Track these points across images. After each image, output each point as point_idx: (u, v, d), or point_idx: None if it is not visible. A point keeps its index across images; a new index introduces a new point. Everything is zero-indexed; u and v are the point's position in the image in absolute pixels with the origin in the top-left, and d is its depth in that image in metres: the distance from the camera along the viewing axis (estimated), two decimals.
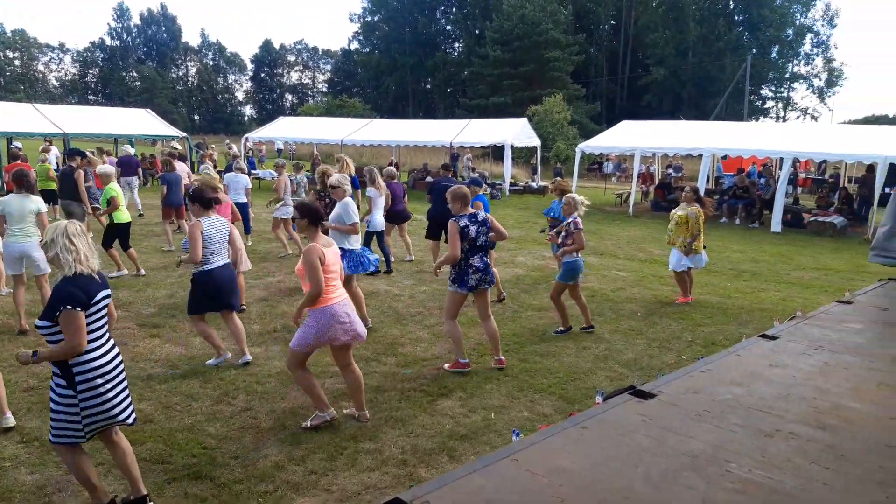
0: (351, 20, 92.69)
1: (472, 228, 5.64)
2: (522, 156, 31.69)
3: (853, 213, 17.36)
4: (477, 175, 24.25)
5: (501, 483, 1.84)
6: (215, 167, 14.42)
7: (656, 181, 22.45)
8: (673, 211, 8.67)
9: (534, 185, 24.58)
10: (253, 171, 22.69)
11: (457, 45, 66.66)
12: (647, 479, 1.88)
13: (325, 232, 4.79)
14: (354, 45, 72.75)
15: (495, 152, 29.51)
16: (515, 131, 23.86)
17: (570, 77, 49.98)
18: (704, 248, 8.58)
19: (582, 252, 7.14)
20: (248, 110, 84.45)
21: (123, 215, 9.00)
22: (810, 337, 3.38)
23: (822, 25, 54.63)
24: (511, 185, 23.75)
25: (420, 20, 62.83)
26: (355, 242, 6.90)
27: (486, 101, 48.07)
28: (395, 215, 10.27)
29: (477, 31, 59.09)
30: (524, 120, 26.62)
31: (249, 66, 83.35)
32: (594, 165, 32.33)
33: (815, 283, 10.33)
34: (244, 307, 7.52)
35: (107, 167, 9.48)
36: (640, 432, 2.18)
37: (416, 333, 6.98)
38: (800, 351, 3.14)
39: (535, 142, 25.50)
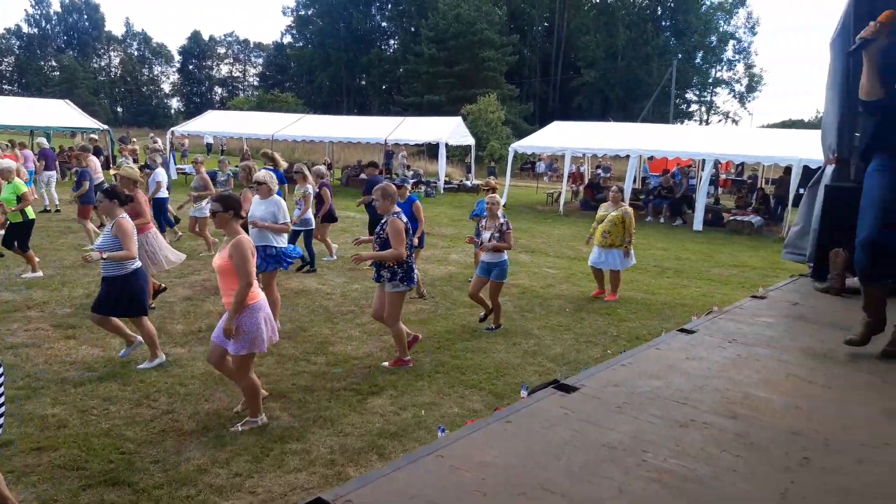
0: (284, 13, 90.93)
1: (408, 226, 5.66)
2: (457, 154, 31.88)
3: (769, 212, 18.25)
4: (410, 174, 24.25)
5: (425, 479, 1.84)
6: (137, 162, 13.88)
7: (586, 181, 23.00)
8: (606, 212, 8.69)
9: (468, 183, 24.76)
10: (179, 167, 21.99)
11: (392, 41, 66.39)
12: (568, 471, 1.92)
13: (245, 228, 4.65)
14: (287, 39, 71.39)
15: (430, 150, 29.60)
16: (450, 130, 23.97)
17: (505, 77, 50.58)
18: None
19: (510, 250, 7.23)
20: (175, 103, 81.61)
21: (29, 212, 8.53)
22: (725, 331, 3.53)
23: (744, 33, 57.24)
24: (445, 183, 23.87)
25: (355, 16, 62.20)
26: (282, 241, 6.76)
27: (420, 99, 48.10)
28: (326, 216, 10.14)
29: (412, 29, 58.98)
30: (459, 119, 26.77)
31: (177, 57, 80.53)
32: (527, 165, 32.84)
33: (734, 279, 10.80)
34: (153, 306, 7.34)
35: (8, 162, 8.91)
36: (563, 425, 2.22)
37: (347, 332, 6.91)
38: (715, 344, 3.28)
39: (470, 141, 25.69)
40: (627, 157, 18.56)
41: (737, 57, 57.31)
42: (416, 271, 5.98)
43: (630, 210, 8.68)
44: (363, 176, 25.17)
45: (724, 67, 58.11)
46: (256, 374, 5.53)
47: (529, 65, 58.28)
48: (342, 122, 26.80)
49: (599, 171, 25.50)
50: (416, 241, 7.66)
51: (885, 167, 3.28)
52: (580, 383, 2.59)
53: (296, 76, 70.61)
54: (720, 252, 13.51)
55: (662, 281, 10.39)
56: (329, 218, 10.19)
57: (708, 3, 55.02)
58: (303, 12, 66.52)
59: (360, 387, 5.40)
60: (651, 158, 21.28)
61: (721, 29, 55.63)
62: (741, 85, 58.29)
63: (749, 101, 59.29)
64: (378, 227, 5.70)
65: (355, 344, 6.53)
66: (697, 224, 16.68)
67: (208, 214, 5.29)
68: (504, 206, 19.44)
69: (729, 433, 2.25)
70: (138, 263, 5.56)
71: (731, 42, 56.77)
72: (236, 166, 13.06)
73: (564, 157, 20.00)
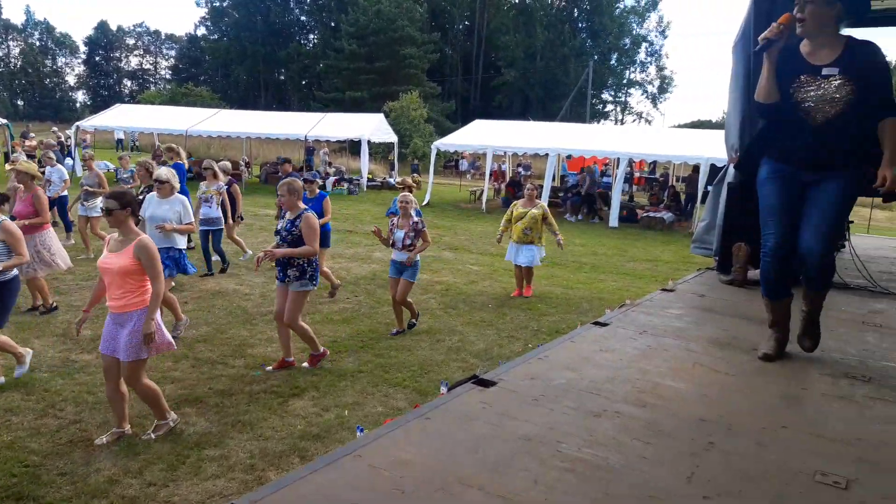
0: (198, 4, 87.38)
1: None
2: (380, 151, 31.72)
3: (680, 209, 19.10)
4: (332, 171, 23.96)
5: (343, 480, 1.82)
6: (33, 158, 13.07)
7: (507, 179, 23.37)
8: (524, 209, 8.76)
9: (391, 180, 24.68)
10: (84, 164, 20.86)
11: (312, 36, 65.20)
12: (485, 464, 1.95)
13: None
14: (202, 31, 68.85)
15: (352, 147, 29.28)
16: (372, 127, 23.81)
17: (426, 75, 50.68)
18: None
19: (432, 248, 7.20)
20: (81, 96, 77.22)
21: None
22: (637, 323, 3.67)
23: (656, 36, 59.51)
24: (369, 180, 23.71)
25: (272, 8, 60.71)
26: (182, 242, 6.51)
27: (342, 95, 47.53)
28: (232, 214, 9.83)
29: (332, 24, 58.15)
30: (381, 116, 26.62)
31: (82, 48, 76.26)
32: (450, 163, 33.04)
33: (647, 273, 11.24)
34: (56, 306, 7.01)
35: None
36: (481, 419, 2.26)
37: (266, 333, 6.76)
38: (627, 336, 3.40)
39: (393, 138, 25.60)
40: (546, 155, 18.99)
41: (649, 59, 59.61)
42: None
43: (545, 205, 8.89)
44: (280, 173, 24.71)
45: (638, 69, 60.37)
46: (171, 380, 5.36)
47: (451, 63, 58.61)
48: (260, 118, 26.14)
49: (520, 169, 25.96)
50: None
51: (776, 174, 3.29)
52: (498, 377, 2.64)
53: (211, 70, 68.29)
54: (634, 247, 14.03)
55: (580, 276, 10.69)
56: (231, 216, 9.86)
57: (622, 6, 56.99)
58: (217, 3, 64.39)
59: (281, 389, 5.30)
60: (569, 157, 21.86)
61: (634, 32, 57.71)
62: (653, 86, 60.71)
63: (661, 102, 61.89)
64: (287, 224, 5.52)
65: (276, 346, 6.38)
66: (613, 221, 17.25)
67: (100, 213, 5.01)
68: (428, 203, 19.63)
69: (639, 421, 2.35)
70: (15, 272, 5.22)
71: (644, 45, 59.02)
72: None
73: (486, 155, 20.25)
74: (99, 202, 9.22)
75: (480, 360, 6.26)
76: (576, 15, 57.77)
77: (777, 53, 3.12)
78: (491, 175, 21.70)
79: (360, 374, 5.72)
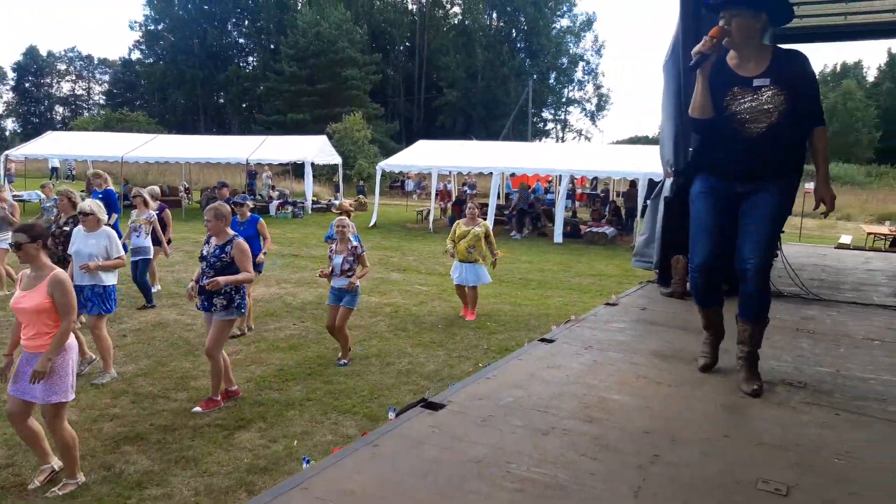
0: (131, 28, 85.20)
1: None
2: (324, 173, 31.49)
3: (622, 223, 19.56)
4: (275, 194, 23.64)
5: None
6: None
7: (453, 198, 23.52)
8: (467, 227, 8.74)
9: (337, 202, 24.52)
10: (15, 194, 20.01)
11: (251, 59, 64.50)
12: (436, 489, 1.93)
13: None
14: (136, 55, 67.18)
15: (296, 170, 28.98)
16: (316, 149, 23.64)
17: (369, 96, 50.76)
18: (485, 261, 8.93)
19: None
20: (11, 124, 74.02)
21: None
22: (582, 338, 3.72)
23: (592, 55, 61.27)
24: (314, 202, 23.49)
25: (210, 32, 59.86)
26: (112, 279, 6.22)
27: (284, 118, 47.12)
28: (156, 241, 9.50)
29: (272, 46, 57.74)
30: (324, 137, 26.47)
31: (10, 74, 73.35)
32: (396, 183, 33.06)
33: (592, 287, 11.44)
34: None
35: None
36: (430, 443, 2.24)
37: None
38: (573, 352, 3.45)
39: (337, 159, 25.46)
40: (491, 174, 19.20)
41: (586, 78, 61.27)
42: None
43: (487, 224, 8.92)
44: (217, 197, 24.20)
45: (576, 87, 61.95)
46: (110, 417, 5.14)
47: (393, 84, 58.91)
48: (200, 142, 25.62)
49: (466, 188, 26.16)
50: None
51: (708, 190, 3.29)
52: (447, 400, 2.63)
53: (147, 94, 66.66)
54: (579, 262, 14.28)
55: (528, 292, 10.80)
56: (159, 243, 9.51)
57: (558, 26, 58.51)
58: (152, 27, 63.04)
59: (226, 422, 5.15)
60: (513, 175, 22.16)
61: (571, 51, 59.30)
62: (591, 104, 62.35)
63: (599, 119, 63.62)
64: (216, 250, 5.33)
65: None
66: (557, 237, 17.54)
67: (7, 246, 4.73)
68: (375, 225, 19.55)
69: (586, 437, 2.37)
70: None
71: (581, 63, 60.65)
72: (83, 191, 12.08)
73: (432, 175, 20.36)
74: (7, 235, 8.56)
75: (431, 381, 6.23)
76: (514, 35, 59.00)
77: (710, 68, 3.14)
78: (437, 195, 21.80)
79: (309, 403, 5.61)
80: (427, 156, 20.67)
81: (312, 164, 23.02)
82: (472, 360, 6.93)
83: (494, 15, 58.88)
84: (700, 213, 3.32)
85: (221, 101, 64.24)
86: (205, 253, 5.44)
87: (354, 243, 6.73)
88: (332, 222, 6.93)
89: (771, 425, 2.67)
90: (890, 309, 5.21)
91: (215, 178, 28.41)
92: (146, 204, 8.82)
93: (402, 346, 7.41)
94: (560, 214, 17.91)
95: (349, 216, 7.14)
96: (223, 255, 5.30)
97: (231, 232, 5.43)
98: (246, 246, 5.36)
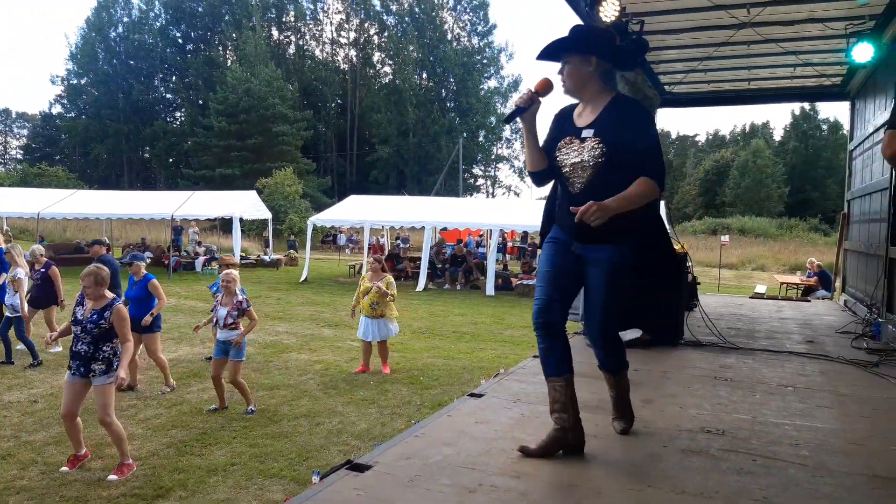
0: (52, 82, 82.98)
1: None
2: (254, 228, 31.00)
3: None
4: (202, 250, 23.06)
5: None
6: None
7: (386, 252, 23.54)
8: (370, 283, 8.63)
9: (266, 258, 24.12)
10: None
11: (178, 114, 63.60)
12: None
13: None
14: (57, 109, 65.15)
15: (224, 225, 28.45)
16: (245, 204, 23.31)
17: (301, 152, 50.71)
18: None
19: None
20: None
21: None
22: (510, 391, 3.74)
23: None
24: (242, 258, 22.99)
25: (136, 86, 58.81)
26: None
27: (212, 172, 46.35)
28: (53, 298, 9.14)
29: (200, 102, 57.18)
30: (254, 192, 26.17)
31: None
32: (328, 237, 32.85)
33: (524, 340, 11.56)
34: None
35: None
36: None
37: (128, 429, 6.20)
38: (502, 406, 3.46)
39: (266, 214, 25.13)
40: (423, 228, 19.38)
41: (514, 136, 63.16)
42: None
43: (391, 278, 8.79)
44: (91, 255, 23.42)
45: (504, 145, 63.84)
46: (16, 490, 4.77)
47: (325, 140, 59.16)
48: (123, 198, 24.86)
49: (399, 241, 26.25)
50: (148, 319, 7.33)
51: (553, 239, 3.07)
52: (374, 461, 2.58)
53: (68, 149, 64.46)
54: (511, 314, 14.43)
55: (461, 346, 10.80)
56: (54, 300, 9.17)
57: (486, 87, 60.57)
58: (75, 81, 61.47)
59: (143, 491, 4.86)
60: (444, 229, 22.43)
61: (499, 110, 61.27)
62: (519, 161, 64.21)
63: (527, 175, 65.48)
64: (93, 315, 5.05)
65: (138, 442, 5.89)
66: (489, 289, 17.73)
67: None
68: (306, 280, 19.26)
69: (513, 493, 2.37)
70: None
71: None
72: None
73: (364, 229, 20.37)
74: None
75: (362, 441, 6.09)
76: (444, 95, 60.59)
77: (532, 119, 2.89)
78: (370, 249, 21.79)
79: (233, 467, 5.37)
80: (359, 210, 20.72)
81: (241, 220, 22.65)
82: (404, 417, 6.83)
83: (424, 75, 60.43)
84: (541, 261, 3.10)
85: (147, 155, 62.76)
86: (79, 316, 5.14)
87: (240, 297, 6.76)
88: (219, 277, 7.02)
89: (693, 474, 2.74)
90: (801, 356, 5.49)
91: (139, 235, 27.58)
92: (14, 261, 8.64)
93: (333, 404, 7.23)
94: (492, 267, 18.16)
95: (236, 269, 7.18)
96: (101, 320, 5.05)
97: (110, 295, 5.19)
98: (124, 311, 5.16)
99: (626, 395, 3.26)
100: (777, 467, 2.86)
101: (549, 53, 2.93)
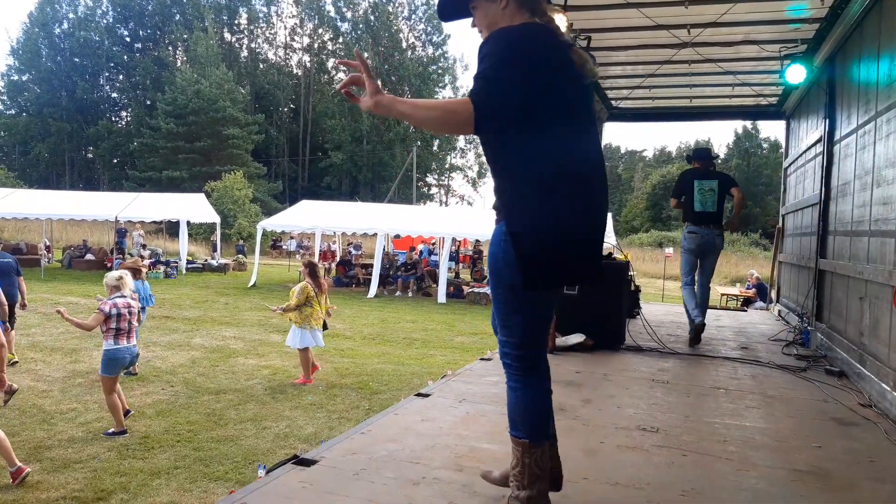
0: None
1: None
2: (202, 232, 30.41)
3: None
4: (147, 253, 22.52)
5: None
6: None
7: (338, 258, 23.41)
8: (309, 289, 8.39)
9: (214, 262, 23.69)
10: None
11: (124, 114, 61.93)
12: None
13: None
14: None
15: (170, 228, 27.82)
16: (192, 207, 22.89)
17: (251, 155, 49.99)
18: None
19: (129, 340, 6.18)
20: None
21: None
22: (457, 392, 3.84)
23: None
24: (189, 262, 22.56)
25: (80, 84, 57.02)
26: None
27: (159, 174, 45.30)
28: None
29: (148, 102, 55.82)
30: (202, 195, 25.71)
31: None
32: (279, 243, 32.47)
33: (474, 346, 11.69)
34: None
35: None
36: (300, 499, 2.24)
37: (68, 433, 6.09)
38: (447, 405, 3.55)
39: (215, 218, 24.71)
40: (375, 235, 19.38)
41: (468, 146, 63.71)
42: None
43: (305, 284, 8.45)
44: (90, 257, 22.79)
45: (458, 155, 64.26)
46: None
47: (277, 144, 58.45)
48: (64, 198, 24.07)
49: (351, 248, 26.14)
50: None
51: None
52: (320, 456, 2.63)
53: (7, 147, 61.97)
54: (462, 321, 14.56)
55: (411, 352, 10.86)
56: None
57: (441, 96, 60.90)
58: (16, 77, 59.21)
59: (84, 494, 4.76)
60: (397, 236, 22.48)
61: None
62: (473, 171, 64.77)
63: (480, 185, 65.94)
64: None
65: (78, 446, 5.76)
66: (441, 297, 17.85)
67: None
68: (254, 285, 19.00)
69: (456, 485, 2.46)
70: None
71: None
72: None
73: (315, 235, 20.24)
74: None
75: (310, 444, 6.08)
76: None
77: None
78: (321, 255, 21.66)
79: (177, 471, 5.31)
80: (310, 216, 20.58)
81: (188, 223, 22.22)
82: (353, 422, 6.84)
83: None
84: None
85: (90, 155, 60.84)
86: None
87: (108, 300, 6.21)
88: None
89: (626, 467, 2.88)
90: (734, 361, 5.75)
91: (80, 236, 26.72)
92: None
93: (280, 409, 7.20)
94: (444, 275, 18.28)
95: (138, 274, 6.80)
96: None
97: None
98: None
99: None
100: (705, 461, 3.03)
101: (453, 4, 2.37)
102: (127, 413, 6.39)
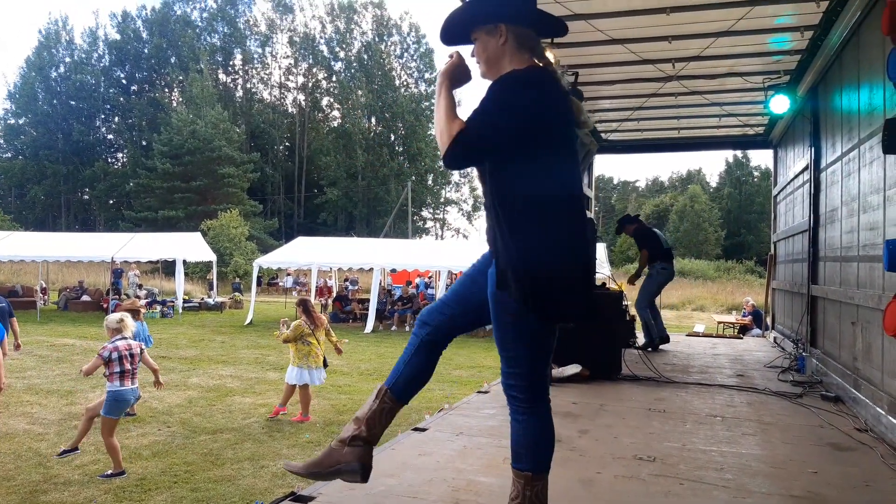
0: None
1: None
2: (198, 271, 30.40)
3: None
4: (143, 293, 22.51)
5: None
6: None
7: (334, 294, 23.40)
8: (304, 327, 8.30)
9: (210, 301, 23.65)
10: None
11: (120, 155, 62.36)
12: None
13: None
14: None
15: (166, 267, 27.86)
16: (188, 246, 22.95)
17: (247, 193, 50.25)
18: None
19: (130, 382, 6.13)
20: None
21: None
22: (454, 425, 3.85)
23: None
24: (185, 301, 22.51)
25: (76, 127, 57.53)
26: None
27: (155, 214, 45.43)
28: None
29: (144, 143, 56.29)
30: (198, 234, 25.79)
31: None
32: (275, 280, 32.45)
33: (472, 380, 11.64)
34: None
35: None
36: None
37: (64, 476, 6.03)
38: (445, 438, 3.56)
39: (211, 256, 24.75)
40: (371, 269, 19.44)
41: (462, 180, 64.19)
42: None
43: (299, 322, 8.36)
44: (86, 298, 22.73)
45: (453, 189, 64.70)
46: None
47: (273, 182, 58.82)
48: (60, 240, 24.13)
49: (347, 283, 26.14)
50: None
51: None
52: (317, 492, 2.64)
53: (2, 190, 62.23)
54: (459, 355, 14.52)
55: None
56: None
57: (434, 133, 61.56)
58: (13, 121, 59.77)
59: None
60: (394, 271, 22.53)
61: None
62: (468, 205, 65.16)
63: (475, 219, 66.29)
64: None
65: (74, 489, 5.71)
66: None
67: None
68: (251, 323, 18.95)
69: None
70: None
71: None
72: None
73: (311, 271, 20.28)
74: None
75: (307, 482, 6.02)
76: (392, 139, 61.30)
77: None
78: (317, 291, 21.66)
79: None
80: (306, 252, 20.64)
81: (185, 262, 22.25)
82: None
83: (374, 120, 61.10)
84: None
85: (86, 197, 61.08)
86: None
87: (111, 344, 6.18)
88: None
89: (623, 497, 2.89)
90: (730, 388, 5.77)
91: (76, 278, 26.69)
92: None
93: (277, 447, 7.15)
94: None
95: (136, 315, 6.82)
96: None
97: None
98: None
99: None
100: (702, 489, 3.04)
101: (456, 32, 2.39)
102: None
